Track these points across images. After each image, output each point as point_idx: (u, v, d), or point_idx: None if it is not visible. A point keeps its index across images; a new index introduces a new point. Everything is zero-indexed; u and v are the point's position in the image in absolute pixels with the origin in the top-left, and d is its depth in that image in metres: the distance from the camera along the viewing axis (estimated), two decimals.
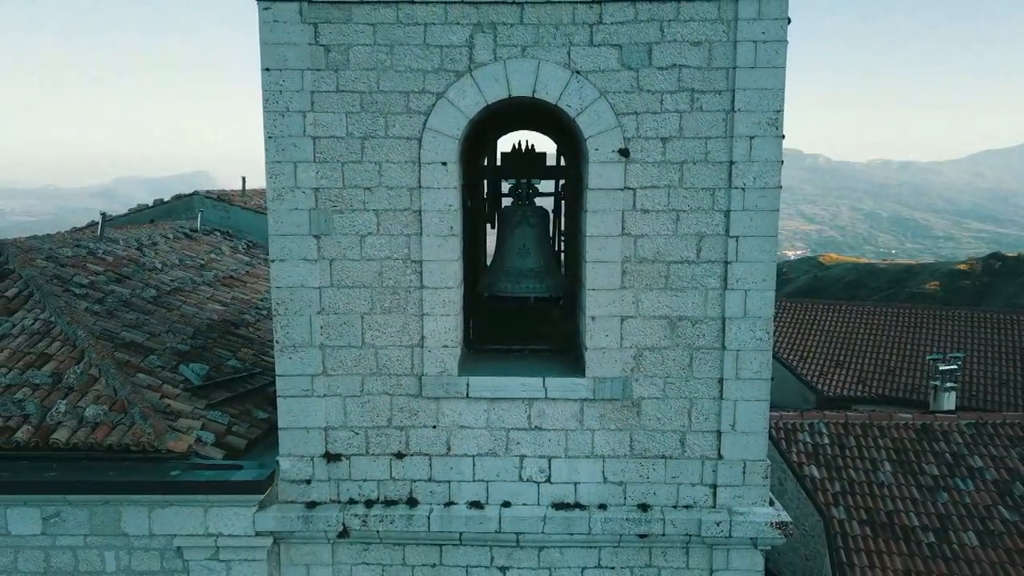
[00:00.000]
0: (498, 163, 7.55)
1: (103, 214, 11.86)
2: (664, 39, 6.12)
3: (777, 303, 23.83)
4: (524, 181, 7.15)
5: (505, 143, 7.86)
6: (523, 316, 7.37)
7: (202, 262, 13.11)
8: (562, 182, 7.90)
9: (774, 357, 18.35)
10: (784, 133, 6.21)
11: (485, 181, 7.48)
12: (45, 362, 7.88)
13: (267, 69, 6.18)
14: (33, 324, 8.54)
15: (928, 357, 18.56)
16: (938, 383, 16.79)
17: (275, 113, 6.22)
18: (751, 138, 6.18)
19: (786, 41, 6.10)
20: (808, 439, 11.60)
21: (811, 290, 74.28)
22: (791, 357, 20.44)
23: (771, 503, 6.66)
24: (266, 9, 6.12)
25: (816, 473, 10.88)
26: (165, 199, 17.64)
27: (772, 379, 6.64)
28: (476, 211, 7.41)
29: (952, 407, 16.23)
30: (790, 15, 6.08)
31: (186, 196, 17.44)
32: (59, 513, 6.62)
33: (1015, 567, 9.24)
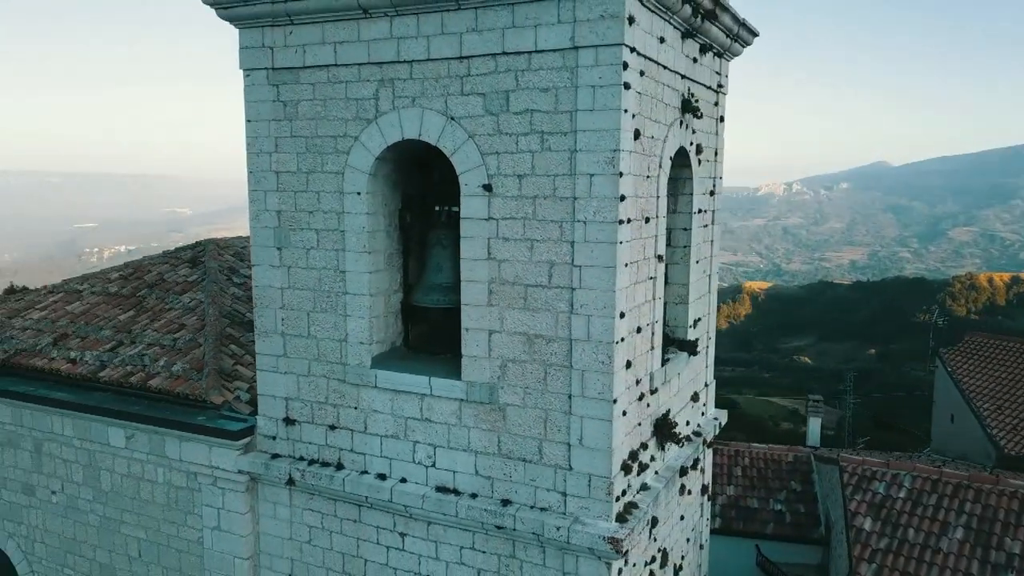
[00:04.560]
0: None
1: None
2: (519, 87, 6.89)
3: (995, 343, 20.27)
4: (446, 208, 8.23)
5: None
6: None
7: None
8: None
9: (966, 403, 16.18)
10: (622, 171, 6.59)
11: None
12: (178, 329, 10.80)
13: (249, 121, 8.18)
14: (190, 302, 11.59)
15: None
16: None
17: (253, 154, 8.19)
18: (591, 176, 6.68)
19: (621, 85, 6.49)
20: (881, 490, 10.53)
21: None
22: (984, 406, 17.18)
23: (620, 520, 7.01)
24: (247, 75, 8.11)
25: (868, 526, 9.95)
26: None
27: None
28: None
29: None
30: None
31: None
32: (134, 435, 9.36)
33: None
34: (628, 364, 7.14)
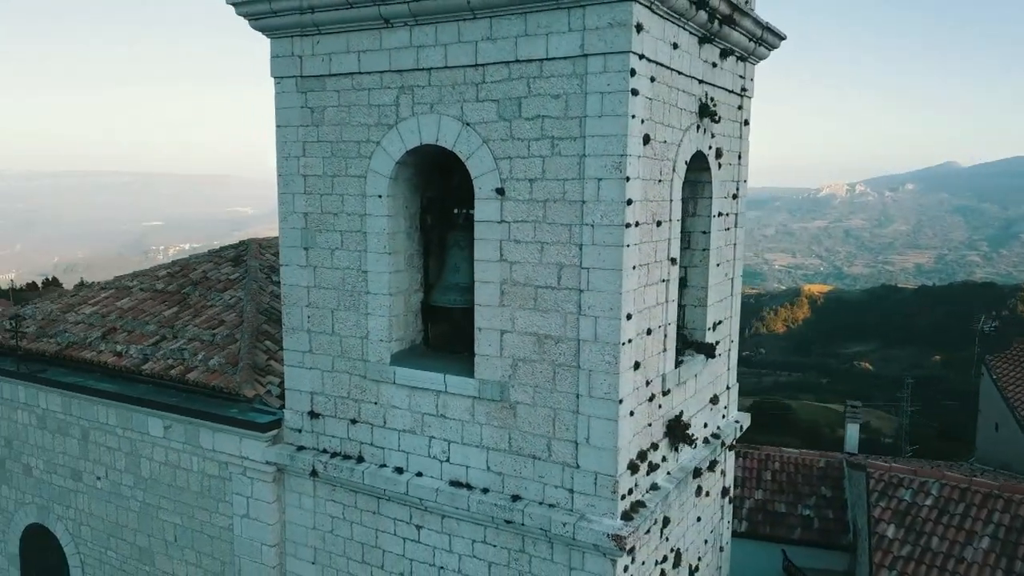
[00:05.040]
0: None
1: None
2: (531, 93, 7.07)
3: None
4: (464, 210, 8.45)
5: None
6: None
7: None
8: None
9: (1010, 411, 15.77)
10: (629, 175, 6.72)
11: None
12: (218, 325, 11.25)
13: (279, 126, 8.53)
14: (231, 299, 12.06)
15: None
16: None
17: (283, 158, 8.54)
18: (599, 180, 6.82)
19: (629, 91, 6.62)
20: (908, 497, 10.38)
21: None
22: None
23: (625, 518, 7.13)
24: (278, 83, 8.47)
25: (891, 533, 9.82)
26: None
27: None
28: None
29: None
30: None
31: None
32: (171, 425, 9.82)
33: None
34: (636, 365, 7.26)
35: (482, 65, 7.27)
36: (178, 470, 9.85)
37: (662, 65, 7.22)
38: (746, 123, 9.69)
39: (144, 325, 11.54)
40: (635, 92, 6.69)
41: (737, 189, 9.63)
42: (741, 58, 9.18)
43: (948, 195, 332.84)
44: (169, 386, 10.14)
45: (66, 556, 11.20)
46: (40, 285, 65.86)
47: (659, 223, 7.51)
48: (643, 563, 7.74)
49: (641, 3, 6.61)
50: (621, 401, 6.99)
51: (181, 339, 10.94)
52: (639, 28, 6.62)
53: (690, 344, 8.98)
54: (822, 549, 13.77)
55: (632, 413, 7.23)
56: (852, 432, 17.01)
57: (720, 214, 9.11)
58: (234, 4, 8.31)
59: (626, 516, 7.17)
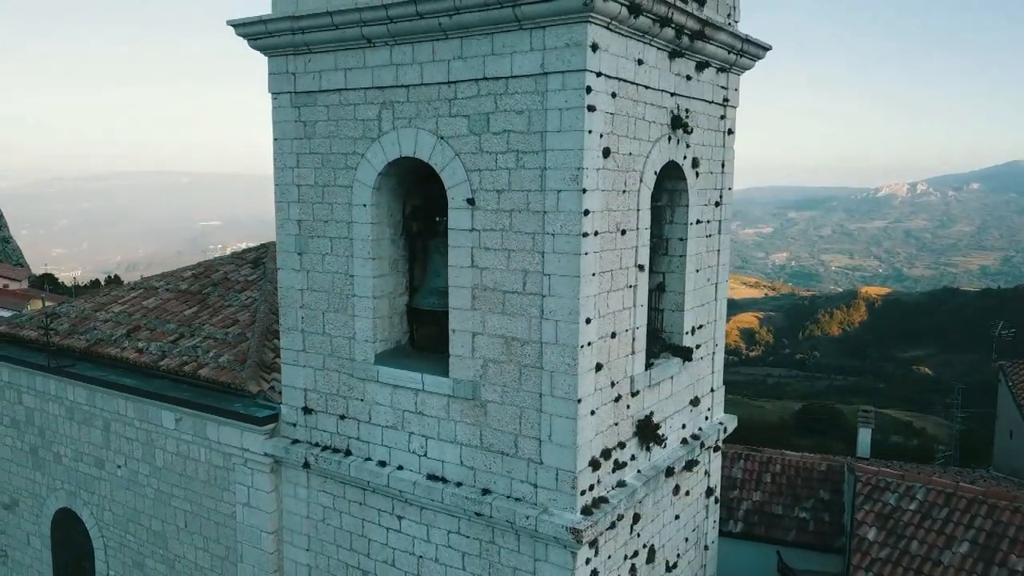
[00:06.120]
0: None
1: None
2: (498, 109, 7.48)
3: None
4: (444, 218, 8.86)
5: None
6: None
7: None
8: None
9: (1023, 419, 15.56)
10: (586, 187, 7.07)
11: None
12: (232, 324, 11.91)
13: (276, 139, 9.09)
14: (247, 300, 12.71)
15: None
16: None
17: (279, 168, 9.10)
18: (558, 191, 7.19)
19: (585, 108, 6.97)
20: (892, 501, 10.44)
21: None
22: None
23: (586, 512, 7.47)
24: (275, 98, 9.03)
25: (872, 536, 9.92)
26: None
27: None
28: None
29: None
30: None
31: None
32: (181, 418, 10.48)
33: None
34: (599, 367, 7.60)
35: (454, 82, 7.70)
36: (188, 460, 10.51)
37: (625, 80, 7.54)
38: (730, 132, 9.92)
39: (165, 324, 12.26)
40: (592, 108, 7.03)
41: (720, 197, 9.86)
42: (722, 69, 9.42)
43: (1016, 195, 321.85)
44: (183, 381, 10.81)
45: (91, 539, 11.98)
46: (103, 282, 68.55)
47: (624, 232, 7.83)
48: (609, 556, 8.08)
49: (597, 24, 6.95)
50: (580, 401, 7.34)
51: (197, 337, 11.62)
52: (595, 47, 6.96)
53: (668, 347, 9.27)
54: (817, 551, 13.86)
55: (593, 412, 7.57)
56: (864, 436, 16.99)
57: (699, 221, 9.36)
58: (234, 26, 8.89)
59: (586, 511, 7.51)
